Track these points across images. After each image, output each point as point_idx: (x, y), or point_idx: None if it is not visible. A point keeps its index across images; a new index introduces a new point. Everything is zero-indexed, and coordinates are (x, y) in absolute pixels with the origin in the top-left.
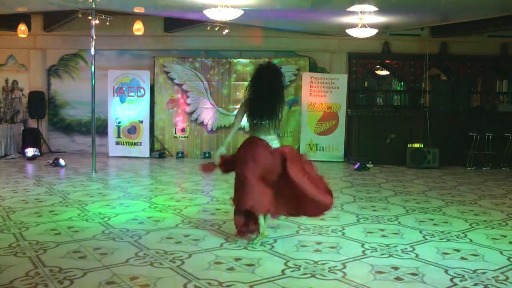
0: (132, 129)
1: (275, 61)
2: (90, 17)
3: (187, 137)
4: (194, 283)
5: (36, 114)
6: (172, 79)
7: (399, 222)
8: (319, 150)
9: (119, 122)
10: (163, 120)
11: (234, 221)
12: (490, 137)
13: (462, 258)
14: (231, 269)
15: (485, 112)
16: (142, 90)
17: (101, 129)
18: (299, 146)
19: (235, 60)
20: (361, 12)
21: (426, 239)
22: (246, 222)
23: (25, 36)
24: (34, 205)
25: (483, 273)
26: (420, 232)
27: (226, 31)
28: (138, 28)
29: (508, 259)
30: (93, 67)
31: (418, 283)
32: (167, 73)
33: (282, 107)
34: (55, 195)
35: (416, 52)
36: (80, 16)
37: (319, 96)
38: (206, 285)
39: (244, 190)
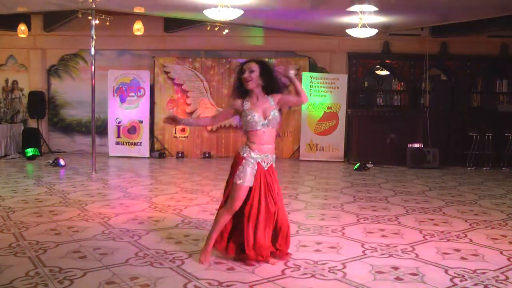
0: (132, 129)
1: (275, 61)
2: (90, 17)
3: (187, 137)
4: (194, 283)
5: (36, 114)
6: (172, 79)
7: (399, 222)
8: (319, 150)
9: (119, 122)
10: (163, 120)
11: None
12: (490, 137)
13: (462, 258)
14: (231, 269)
15: (485, 112)
16: (142, 90)
17: (101, 129)
18: (299, 146)
19: (235, 60)
20: (361, 12)
21: (426, 239)
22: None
23: (25, 36)
24: (34, 205)
25: (483, 273)
26: (420, 232)
27: (226, 31)
28: (138, 28)
29: (508, 259)
30: (93, 67)
31: (418, 283)
32: (167, 73)
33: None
34: (55, 195)
35: (416, 52)
36: (80, 16)
37: (319, 96)
38: (206, 285)
39: None
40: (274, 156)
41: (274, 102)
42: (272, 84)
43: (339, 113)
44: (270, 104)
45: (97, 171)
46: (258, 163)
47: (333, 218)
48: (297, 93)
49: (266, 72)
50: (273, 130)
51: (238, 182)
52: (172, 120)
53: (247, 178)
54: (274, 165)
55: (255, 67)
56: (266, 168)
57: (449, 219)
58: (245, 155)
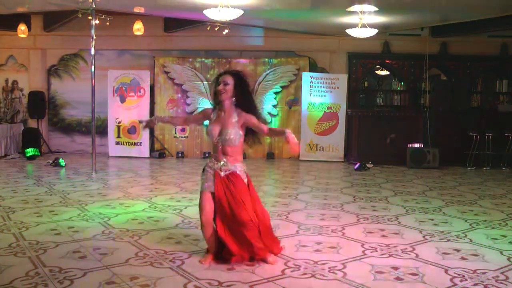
0: (132, 129)
1: (275, 61)
2: (90, 17)
3: (187, 137)
4: (194, 283)
5: (36, 114)
6: (172, 79)
7: (399, 222)
8: (319, 150)
9: (119, 122)
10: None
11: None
12: (490, 137)
13: (462, 258)
14: (231, 269)
15: (485, 112)
16: (142, 90)
17: (101, 129)
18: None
19: (235, 60)
20: (361, 12)
21: (426, 239)
22: None
23: (25, 36)
24: (34, 205)
25: (483, 273)
26: (420, 232)
27: (226, 31)
28: (138, 28)
29: (508, 259)
30: (93, 67)
31: (418, 283)
32: (167, 73)
33: None
34: (55, 195)
35: (416, 52)
36: (80, 16)
37: (319, 96)
38: (206, 285)
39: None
40: (238, 165)
41: (237, 120)
42: (244, 99)
43: (339, 113)
44: (232, 121)
45: (97, 171)
46: (215, 171)
47: (333, 218)
48: (275, 132)
49: (241, 86)
50: (231, 148)
51: (201, 189)
52: (148, 124)
53: (206, 184)
54: (240, 172)
55: (230, 80)
56: (222, 176)
57: (449, 219)
58: (207, 163)
